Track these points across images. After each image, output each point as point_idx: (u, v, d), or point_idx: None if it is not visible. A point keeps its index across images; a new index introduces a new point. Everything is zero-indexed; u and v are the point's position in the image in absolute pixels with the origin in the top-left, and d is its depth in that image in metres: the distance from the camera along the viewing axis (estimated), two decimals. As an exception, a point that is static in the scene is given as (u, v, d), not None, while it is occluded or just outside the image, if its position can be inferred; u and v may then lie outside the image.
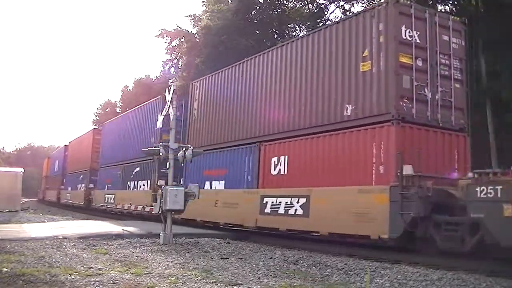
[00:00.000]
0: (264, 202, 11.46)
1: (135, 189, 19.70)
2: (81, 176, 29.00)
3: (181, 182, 14.63)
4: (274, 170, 11.78)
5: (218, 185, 13.88)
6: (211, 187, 14.13)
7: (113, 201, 21.89)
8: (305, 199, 10.23)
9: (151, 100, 19.86)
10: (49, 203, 38.96)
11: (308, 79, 11.25)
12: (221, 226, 13.43)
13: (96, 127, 33.36)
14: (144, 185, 18.53)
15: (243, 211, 12.15)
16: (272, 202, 11.21)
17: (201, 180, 14.36)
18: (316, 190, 10.10)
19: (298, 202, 10.43)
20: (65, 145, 36.87)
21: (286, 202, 10.74)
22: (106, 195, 23.13)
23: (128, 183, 20.49)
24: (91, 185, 26.60)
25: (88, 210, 25.97)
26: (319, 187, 10.10)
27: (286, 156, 11.43)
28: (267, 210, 11.37)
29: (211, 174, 14.24)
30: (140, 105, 21.85)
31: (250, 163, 12.65)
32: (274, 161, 11.77)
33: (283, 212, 10.83)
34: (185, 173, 15.56)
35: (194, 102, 16.16)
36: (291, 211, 10.59)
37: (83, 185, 28.35)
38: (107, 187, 23.80)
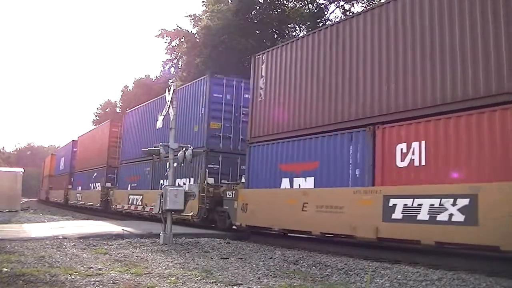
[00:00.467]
0: (391, 204, 8.34)
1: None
2: (95, 174, 25.61)
3: (242, 180, 12.67)
4: (403, 160, 8.60)
5: (304, 183, 10.64)
6: (291, 186, 10.94)
7: (140, 203, 18.31)
8: (468, 199, 7.24)
9: (193, 81, 16.25)
10: (55, 205, 36.04)
11: (463, 31, 7.81)
12: (315, 237, 10.43)
13: (113, 119, 28.54)
14: (184, 183, 15.44)
15: (352, 217, 9.02)
16: (405, 204, 8.14)
17: (276, 176, 11.36)
18: (489, 187, 7.08)
19: (454, 204, 7.45)
20: (73, 141, 33.25)
21: (432, 205, 7.74)
22: (131, 196, 19.38)
23: (161, 181, 16.93)
24: (109, 184, 23.43)
25: (106, 213, 22.35)
26: (493, 183, 7.11)
27: (423, 142, 8.31)
28: (396, 215, 8.22)
29: (293, 168, 10.99)
30: (180, 87, 17.38)
31: (358, 152, 9.47)
32: (402, 149, 8.62)
33: (426, 218, 7.77)
34: (249, 168, 12.37)
35: (259, 79, 12.61)
36: (442, 217, 7.55)
37: (98, 184, 24.77)
38: (131, 186, 20.32)
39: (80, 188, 29.12)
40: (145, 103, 21.40)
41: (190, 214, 13.49)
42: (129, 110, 23.96)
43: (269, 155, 11.81)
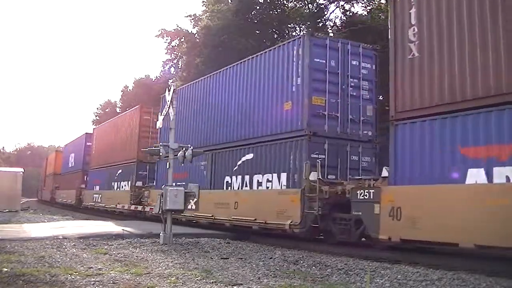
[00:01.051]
0: None
1: (247, 188, 12.27)
2: (120, 171, 21.37)
3: (384, 173, 9.10)
4: None
5: None
6: (490, 179, 7.15)
7: (193, 207, 12.80)
8: None
9: (278, 45, 12.78)
10: (64, 206, 31.73)
11: None
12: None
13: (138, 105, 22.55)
14: (269, 180, 11.55)
15: None
16: None
17: (454, 165, 7.66)
18: None
19: None
20: (87, 134, 29.58)
21: None
22: None
23: (227, 178, 13.10)
24: (139, 183, 19.39)
25: (139, 219, 17.70)
26: None
27: None
28: None
29: (491, 153, 7.17)
30: (252, 57, 13.18)
31: None
32: None
33: None
34: (396, 157, 8.60)
35: (404, 30, 8.82)
36: None
37: (124, 183, 20.61)
38: (175, 185, 15.66)
39: (98, 187, 24.79)
40: (199, 79, 16.34)
41: (288, 222, 10.25)
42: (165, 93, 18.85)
43: (436, 135, 8.10)
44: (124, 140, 21.82)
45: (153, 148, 11.57)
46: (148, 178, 19.33)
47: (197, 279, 6.01)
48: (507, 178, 6.91)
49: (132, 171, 19.98)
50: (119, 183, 21.61)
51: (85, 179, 27.85)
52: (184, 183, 14.31)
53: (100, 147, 25.73)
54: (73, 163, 31.77)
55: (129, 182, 19.83)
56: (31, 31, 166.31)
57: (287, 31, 32.90)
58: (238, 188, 12.52)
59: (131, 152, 20.46)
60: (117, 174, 21.78)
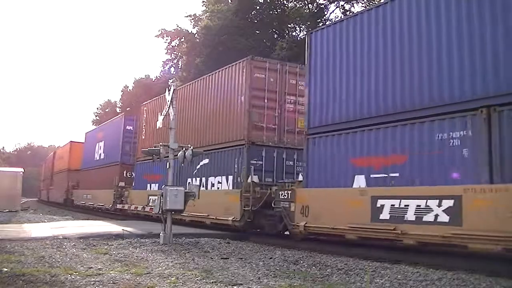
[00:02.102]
0: None
1: None
2: (205, 162, 14.13)
3: None
4: None
5: None
6: None
7: (439, 218, 7.33)
8: None
9: None
10: (90, 211, 24.56)
11: None
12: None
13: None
14: None
15: None
16: None
17: None
18: None
19: None
20: (126, 115, 23.33)
21: None
22: (403, 202, 8.04)
23: None
24: (255, 178, 12.13)
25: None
26: None
27: None
28: None
29: None
30: None
31: None
32: None
33: None
34: None
35: None
36: None
37: (219, 179, 13.40)
38: (381, 178, 8.79)
39: (155, 186, 17.15)
40: None
41: None
42: (324, 28, 11.16)
43: None
44: (214, 113, 14.24)
45: (153, 148, 11.51)
46: (264, 171, 12.57)
47: (197, 279, 6.01)
48: None
49: (237, 160, 12.74)
50: (203, 179, 14.14)
51: (125, 175, 21.35)
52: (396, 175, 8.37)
53: (153, 131, 17.85)
54: (102, 155, 24.68)
55: (232, 178, 12.90)
56: (31, 31, 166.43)
57: (287, 31, 32.96)
58: None
59: (234, 131, 12.98)
60: (198, 167, 14.35)
